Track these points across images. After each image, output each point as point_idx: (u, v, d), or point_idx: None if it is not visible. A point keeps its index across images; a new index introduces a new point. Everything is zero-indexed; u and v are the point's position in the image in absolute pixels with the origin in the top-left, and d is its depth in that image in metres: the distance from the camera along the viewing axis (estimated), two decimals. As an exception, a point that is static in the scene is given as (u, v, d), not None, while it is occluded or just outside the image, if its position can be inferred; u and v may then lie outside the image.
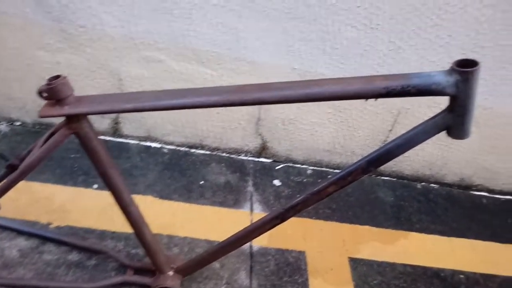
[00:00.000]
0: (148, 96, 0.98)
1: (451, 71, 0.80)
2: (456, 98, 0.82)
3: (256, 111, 1.89)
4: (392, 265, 1.65)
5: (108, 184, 1.13)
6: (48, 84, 0.94)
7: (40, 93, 0.96)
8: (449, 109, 0.86)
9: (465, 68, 0.79)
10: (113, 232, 1.54)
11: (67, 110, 0.97)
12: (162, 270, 1.33)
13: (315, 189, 1.12)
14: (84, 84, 1.78)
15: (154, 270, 1.38)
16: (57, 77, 0.96)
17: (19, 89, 1.80)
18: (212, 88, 0.97)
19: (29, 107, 1.85)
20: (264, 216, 1.20)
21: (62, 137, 1.01)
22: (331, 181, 1.08)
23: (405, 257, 1.69)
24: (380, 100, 1.81)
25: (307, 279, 1.54)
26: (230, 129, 1.95)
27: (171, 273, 1.35)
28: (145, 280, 1.36)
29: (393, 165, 2.09)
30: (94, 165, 1.09)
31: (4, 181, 1.08)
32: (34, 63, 1.73)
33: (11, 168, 1.22)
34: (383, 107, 1.88)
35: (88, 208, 1.61)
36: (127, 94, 1.00)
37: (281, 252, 1.62)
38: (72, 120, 1.00)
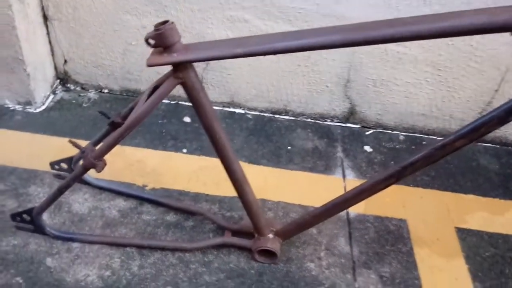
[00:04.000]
0: (259, 40, 0.90)
1: None
2: None
3: (346, 72, 1.77)
4: (505, 237, 1.49)
5: (213, 139, 1.08)
6: (156, 30, 0.90)
7: (147, 40, 0.92)
8: None
9: None
10: (207, 195, 1.52)
11: (176, 57, 0.92)
12: (262, 232, 1.28)
13: (439, 144, 0.99)
14: (169, 49, 1.75)
15: (252, 232, 1.34)
16: (164, 22, 0.91)
17: (107, 55, 1.81)
18: (332, 27, 0.88)
19: (117, 74, 1.86)
20: (376, 175, 1.10)
21: (170, 87, 0.97)
22: (460, 134, 0.96)
23: (520, 228, 1.52)
24: (486, 56, 1.63)
25: (411, 249, 1.42)
26: (316, 93, 1.84)
27: (271, 235, 1.29)
28: (245, 242, 1.32)
29: (496, 131, 1.89)
30: (199, 117, 1.04)
31: (110, 137, 1.06)
32: (121, 29, 1.73)
33: (113, 125, 1.22)
34: (489, 64, 1.68)
35: (179, 171, 1.59)
36: (235, 39, 0.94)
37: (380, 219, 1.51)
38: (180, 68, 0.96)
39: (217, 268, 1.30)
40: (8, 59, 1.63)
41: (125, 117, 1.20)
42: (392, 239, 1.45)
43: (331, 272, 1.33)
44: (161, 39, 0.90)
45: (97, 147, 1.10)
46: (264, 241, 1.29)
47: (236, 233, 1.37)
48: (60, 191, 1.16)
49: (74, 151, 1.45)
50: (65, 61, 1.84)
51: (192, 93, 0.99)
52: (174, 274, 1.27)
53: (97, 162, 1.07)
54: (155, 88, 1.08)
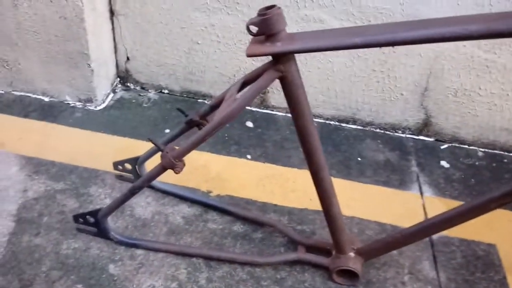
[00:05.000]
0: (380, 29, 0.79)
1: None
2: None
3: (424, 80, 1.63)
4: None
5: (305, 142, 0.97)
6: (261, 15, 0.80)
7: (248, 27, 0.82)
8: None
9: None
10: (275, 205, 1.40)
11: (280, 47, 0.82)
12: (343, 250, 1.15)
13: None
14: (235, 49, 1.67)
15: (328, 249, 1.21)
16: (270, 7, 0.81)
17: (170, 54, 1.74)
18: (467, 17, 0.75)
19: (179, 74, 1.78)
20: (480, 198, 0.96)
21: (269, 81, 0.87)
22: None
23: None
24: None
25: (504, 277, 1.26)
26: (389, 101, 1.71)
27: (352, 254, 1.16)
28: (322, 260, 1.19)
29: None
30: (294, 116, 0.94)
31: (195, 136, 0.96)
32: (188, 26, 1.65)
33: (190, 124, 1.13)
34: None
35: (244, 178, 1.49)
36: (348, 29, 0.83)
37: (467, 243, 1.36)
38: (282, 60, 0.85)
39: (291, 286, 1.18)
40: (73, 53, 1.58)
41: (203, 116, 1.11)
42: (482, 266, 1.29)
43: (417, 299, 1.19)
44: (266, 26, 0.80)
45: (178, 147, 1.01)
46: (345, 260, 1.16)
47: (310, 248, 1.24)
48: (132, 193, 1.07)
49: (136, 152, 1.38)
50: (128, 58, 1.78)
51: (291, 89, 0.88)
52: (245, 290, 1.16)
53: (177, 162, 0.98)
54: (244, 84, 0.98)
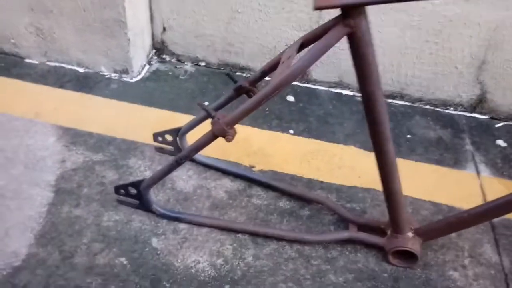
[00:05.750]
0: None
1: None
2: None
3: (482, 52, 1.51)
4: None
5: (370, 109, 0.89)
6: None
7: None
8: None
9: None
10: (322, 182, 1.32)
11: (355, -3, 0.73)
12: (401, 229, 1.07)
13: None
14: (277, 18, 1.57)
15: (382, 228, 1.13)
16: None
17: (209, 24, 1.66)
18: None
19: (217, 45, 1.70)
20: None
21: (336, 38, 0.78)
22: None
23: None
24: None
25: None
26: (442, 75, 1.59)
27: (410, 234, 1.08)
28: (376, 239, 1.11)
29: None
30: (360, 79, 0.85)
31: (251, 100, 0.89)
32: (228, -6, 1.57)
33: (239, 91, 1.05)
34: None
35: (288, 153, 1.41)
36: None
37: (530, 226, 1.26)
38: (353, 14, 0.76)
39: (343, 267, 1.10)
40: (109, 22, 1.51)
41: (253, 82, 1.03)
42: (548, 252, 1.19)
43: (480, 285, 1.10)
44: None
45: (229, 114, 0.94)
46: (403, 240, 1.07)
47: (361, 227, 1.16)
48: (178, 163, 1.01)
49: (174, 124, 1.31)
50: (164, 29, 1.71)
51: (360, 47, 0.79)
52: (294, 269, 1.09)
53: (229, 130, 0.91)
54: (302, 45, 0.90)
